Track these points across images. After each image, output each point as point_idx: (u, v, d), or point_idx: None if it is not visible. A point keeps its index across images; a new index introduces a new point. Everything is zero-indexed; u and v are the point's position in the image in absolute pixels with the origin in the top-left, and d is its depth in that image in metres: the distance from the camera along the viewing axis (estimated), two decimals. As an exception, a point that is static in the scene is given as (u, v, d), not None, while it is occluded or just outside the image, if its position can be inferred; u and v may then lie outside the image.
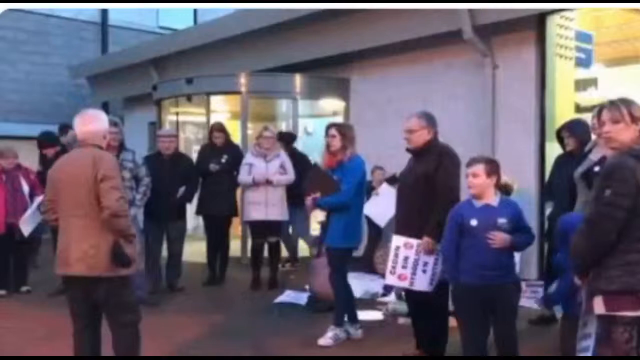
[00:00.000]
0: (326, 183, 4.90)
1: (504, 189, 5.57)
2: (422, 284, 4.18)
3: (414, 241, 4.13)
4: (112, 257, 3.48)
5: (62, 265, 3.59)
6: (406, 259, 4.14)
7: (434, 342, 4.35)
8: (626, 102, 2.82)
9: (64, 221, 3.62)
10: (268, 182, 6.60)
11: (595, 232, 2.68)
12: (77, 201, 3.53)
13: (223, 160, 6.97)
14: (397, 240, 4.19)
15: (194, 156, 7.77)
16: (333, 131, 4.90)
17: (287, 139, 7.63)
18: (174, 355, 4.52)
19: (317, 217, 5.02)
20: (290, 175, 6.65)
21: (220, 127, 7.30)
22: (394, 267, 4.18)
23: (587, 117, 4.98)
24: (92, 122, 3.67)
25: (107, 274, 3.50)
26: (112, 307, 3.62)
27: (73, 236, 3.53)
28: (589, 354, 3.21)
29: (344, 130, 4.93)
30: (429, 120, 4.32)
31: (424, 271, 4.14)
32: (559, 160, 5.24)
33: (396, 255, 4.16)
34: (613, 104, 2.83)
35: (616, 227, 2.62)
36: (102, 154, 3.62)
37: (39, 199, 6.72)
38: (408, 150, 4.36)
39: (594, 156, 4.15)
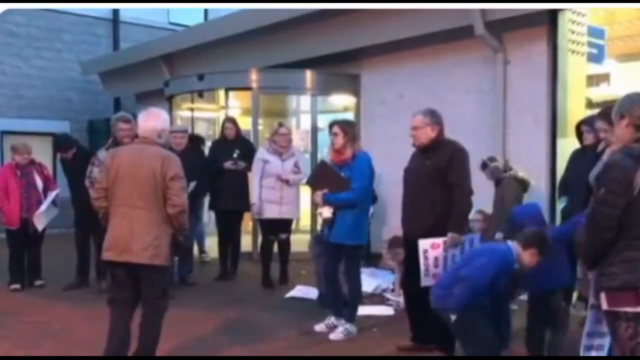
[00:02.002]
0: (335, 180, 4.89)
1: (522, 185, 5.59)
2: None
3: (439, 241, 4.25)
4: (172, 248, 3.84)
5: (119, 252, 3.79)
6: (436, 258, 4.28)
7: (444, 338, 4.36)
8: (620, 99, 2.85)
9: (122, 210, 3.82)
10: (283, 181, 6.61)
11: (592, 229, 2.74)
12: (141, 193, 3.77)
13: (235, 155, 7.00)
14: (423, 244, 4.30)
15: (206, 152, 7.83)
16: (336, 129, 4.91)
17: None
18: (179, 355, 4.53)
19: (322, 214, 5.01)
20: (302, 174, 6.67)
21: (231, 119, 7.38)
22: (427, 270, 4.31)
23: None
24: (149, 120, 3.93)
25: (164, 263, 3.82)
26: (157, 293, 3.86)
27: (137, 227, 3.76)
28: (604, 353, 3.25)
29: (347, 128, 4.93)
30: (433, 117, 4.40)
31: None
32: (575, 155, 5.23)
33: (426, 259, 4.30)
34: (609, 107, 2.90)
35: (611, 225, 2.66)
36: (170, 153, 3.99)
37: (53, 193, 6.81)
38: (415, 146, 4.45)
39: (606, 158, 4.15)
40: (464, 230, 4.35)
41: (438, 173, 4.28)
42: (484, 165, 5.53)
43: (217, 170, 6.98)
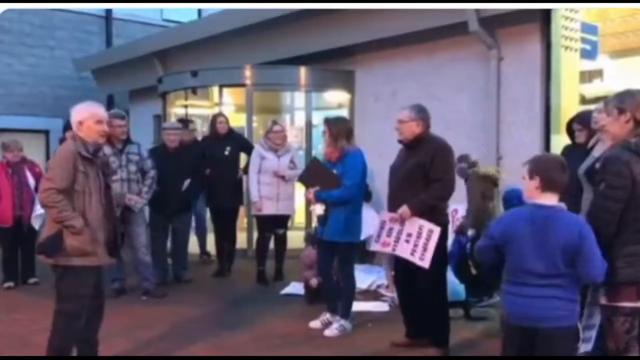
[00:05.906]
0: (326, 177, 4.88)
1: (490, 181, 5.63)
2: (404, 250, 4.39)
3: (397, 216, 4.38)
4: (60, 243, 3.65)
5: None
6: (391, 229, 4.47)
7: (437, 334, 4.38)
8: (619, 95, 2.85)
9: None
10: (280, 177, 6.60)
11: (595, 224, 2.72)
12: None
13: (226, 153, 6.98)
14: (383, 215, 4.57)
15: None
16: (324, 127, 4.95)
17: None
18: (177, 355, 4.52)
19: (315, 211, 5.01)
20: (299, 170, 6.65)
21: (222, 114, 7.39)
22: (378, 236, 4.54)
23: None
24: (72, 115, 3.94)
25: (48, 260, 3.79)
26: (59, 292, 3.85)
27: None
28: (591, 344, 3.25)
29: (332, 125, 4.93)
30: (420, 113, 4.39)
31: (407, 241, 4.37)
32: (566, 152, 5.23)
33: (382, 227, 4.53)
34: (608, 98, 2.89)
35: (613, 219, 2.66)
36: (61, 149, 3.82)
37: (46, 192, 6.76)
38: (399, 141, 4.46)
39: (597, 153, 4.15)
40: (419, 212, 4.28)
41: (420, 169, 4.28)
42: None
43: (208, 170, 6.96)
